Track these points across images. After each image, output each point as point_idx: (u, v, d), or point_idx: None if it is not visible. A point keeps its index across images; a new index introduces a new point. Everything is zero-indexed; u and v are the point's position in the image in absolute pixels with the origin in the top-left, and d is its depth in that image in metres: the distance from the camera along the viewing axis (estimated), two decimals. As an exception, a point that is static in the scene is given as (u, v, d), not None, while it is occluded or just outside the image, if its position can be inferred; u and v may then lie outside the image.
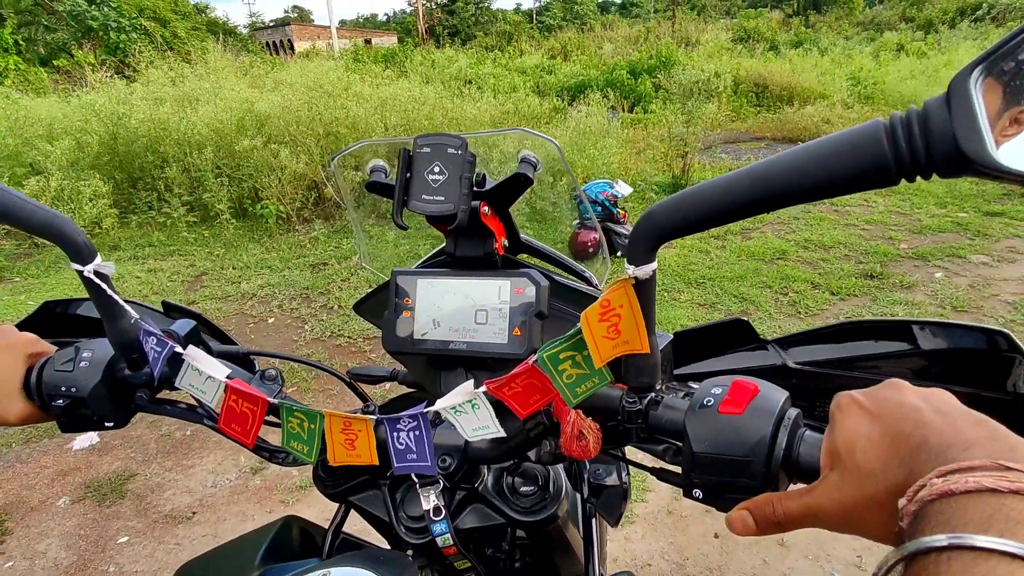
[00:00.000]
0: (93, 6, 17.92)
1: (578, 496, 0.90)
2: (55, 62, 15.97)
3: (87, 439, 2.91)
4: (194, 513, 2.44)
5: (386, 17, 74.95)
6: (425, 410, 0.57)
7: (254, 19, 50.52)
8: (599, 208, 4.72)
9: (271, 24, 42.34)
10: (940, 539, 0.29)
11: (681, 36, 20.34)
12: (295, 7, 64.21)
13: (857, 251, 4.87)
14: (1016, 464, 0.30)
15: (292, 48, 28.34)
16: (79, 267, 0.59)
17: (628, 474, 0.82)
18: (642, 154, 7.54)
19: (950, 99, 0.34)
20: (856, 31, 26.45)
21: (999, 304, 3.84)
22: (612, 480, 0.81)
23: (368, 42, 27.12)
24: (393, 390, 2.65)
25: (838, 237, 5.17)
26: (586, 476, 0.82)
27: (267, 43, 29.95)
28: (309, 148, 5.96)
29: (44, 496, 2.58)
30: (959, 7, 25.16)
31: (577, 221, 4.72)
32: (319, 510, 2.30)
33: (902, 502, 0.33)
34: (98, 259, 0.60)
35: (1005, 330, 0.52)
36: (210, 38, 14.32)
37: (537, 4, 60.54)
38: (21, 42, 17.60)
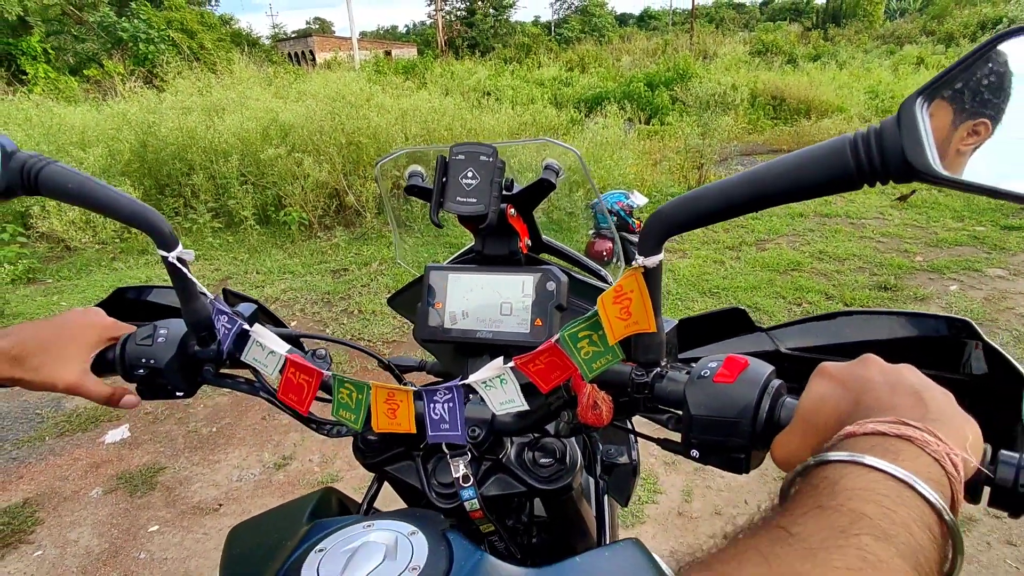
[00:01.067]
0: (123, 18, 18.42)
1: (591, 479, 0.97)
2: (85, 72, 16.40)
3: (118, 433, 3.03)
4: (220, 505, 2.54)
5: (406, 29, 76.01)
6: (460, 383, 0.65)
7: (277, 31, 51.57)
8: (614, 218, 4.80)
9: (293, 35, 43.09)
10: (835, 455, 0.38)
11: (699, 49, 20.42)
12: (316, 19, 65.48)
13: (871, 263, 4.89)
14: (913, 422, 0.39)
15: (314, 59, 28.83)
16: (165, 253, 0.69)
17: (637, 452, 0.89)
18: (658, 165, 7.61)
19: (900, 119, 0.42)
20: (875, 44, 26.39)
21: (1014, 317, 3.85)
22: (623, 459, 0.89)
23: (388, 54, 27.50)
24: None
25: (852, 249, 5.19)
26: (599, 456, 0.90)
27: (290, 54, 30.50)
28: (331, 157, 6.10)
29: (77, 487, 2.69)
30: (980, 21, 25.03)
31: (593, 231, 4.80)
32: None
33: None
34: (180, 247, 0.70)
35: (966, 319, 0.59)
36: (235, 49, 14.65)
37: (555, 17, 61.02)
38: (50, 51, 18.11)
